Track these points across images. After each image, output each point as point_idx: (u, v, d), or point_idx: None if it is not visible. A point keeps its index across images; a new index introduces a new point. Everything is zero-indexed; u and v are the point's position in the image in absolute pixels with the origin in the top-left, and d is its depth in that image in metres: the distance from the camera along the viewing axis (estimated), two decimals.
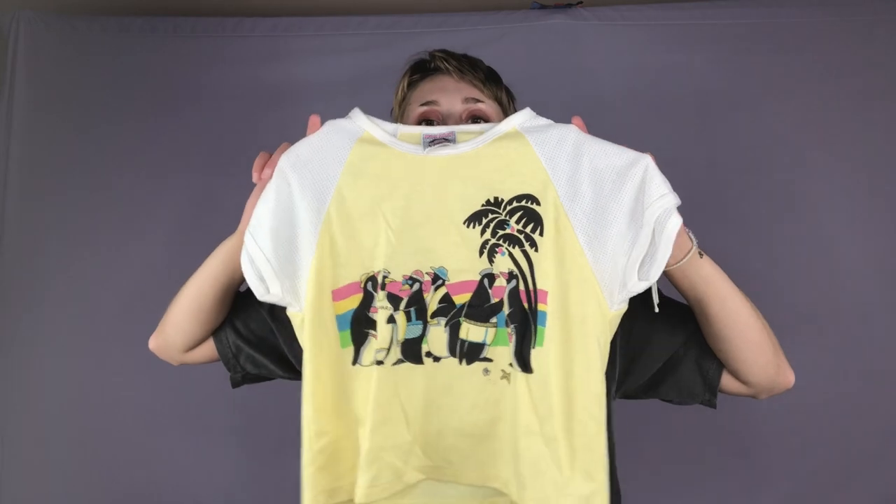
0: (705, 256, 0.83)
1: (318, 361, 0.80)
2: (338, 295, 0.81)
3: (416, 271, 0.79)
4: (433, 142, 0.82)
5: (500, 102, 0.99)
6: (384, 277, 0.79)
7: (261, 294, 0.80)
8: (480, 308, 0.79)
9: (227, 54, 1.67)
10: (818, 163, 1.59)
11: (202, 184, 1.61)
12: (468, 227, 0.79)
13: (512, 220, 0.79)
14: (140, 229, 1.60)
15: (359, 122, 0.84)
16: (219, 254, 0.90)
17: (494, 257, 0.79)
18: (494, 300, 0.79)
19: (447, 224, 0.80)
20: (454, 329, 0.79)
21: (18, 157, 1.63)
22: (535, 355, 0.78)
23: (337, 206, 0.81)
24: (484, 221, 0.79)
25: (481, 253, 0.79)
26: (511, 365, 0.79)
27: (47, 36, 1.65)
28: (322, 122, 0.86)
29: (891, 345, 1.54)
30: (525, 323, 0.79)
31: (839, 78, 1.60)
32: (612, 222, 0.78)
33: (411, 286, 0.79)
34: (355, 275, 0.80)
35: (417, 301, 0.79)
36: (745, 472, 1.54)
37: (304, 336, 0.80)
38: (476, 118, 0.95)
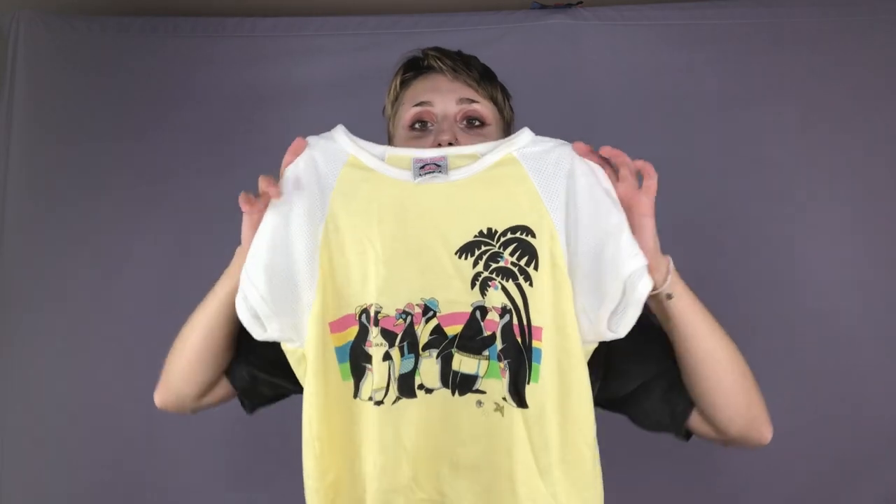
0: (683, 290, 0.80)
1: (325, 399, 0.77)
2: (335, 327, 0.78)
3: (409, 304, 0.76)
4: (423, 167, 0.78)
5: (495, 102, 0.95)
6: (377, 312, 0.75)
7: (258, 334, 0.78)
8: (472, 340, 0.78)
9: (227, 54, 1.63)
10: (818, 163, 1.55)
11: (202, 183, 1.57)
12: (460, 257, 0.78)
13: (506, 253, 0.77)
14: (141, 229, 1.56)
15: (343, 144, 0.80)
16: (219, 295, 0.84)
17: (487, 290, 0.78)
18: (486, 333, 0.78)
19: (439, 254, 0.78)
20: (446, 360, 0.78)
21: (18, 157, 1.58)
22: (531, 391, 0.77)
23: (331, 235, 0.77)
24: (476, 253, 0.78)
25: (473, 285, 0.78)
26: (504, 399, 0.77)
27: (47, 36, 1.61)
28: (312, 132, 0.81)
29: (891, 344, 1.51)
30: (519, 359, 0.77)
31: (839, 78, 1.57)
32: (592, 270, 0.76)
33: (405, 320, 0.76)
34: (350, 306, 0.77)
35: (409, 335, 0.77)
36: (745, 472, 1.51)
37: (306, 372, 0.77)
38: (471, 119, 0.90)
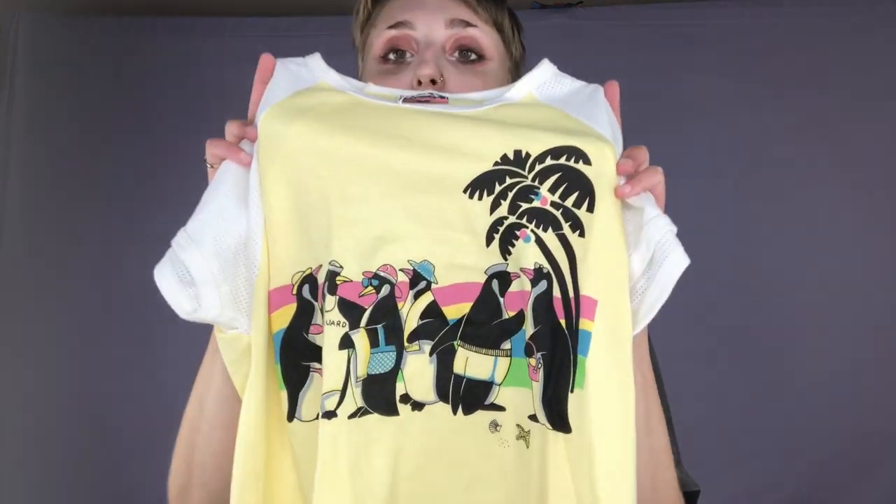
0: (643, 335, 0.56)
1: (267, 416, 0.52)
2: (270, 304, 0.52)
3: (385, 266, 0.50)
4: (413, 98, 0.55)
5: (500, 29, 0.69)
6: (333, 274, 0.49)
7: (184, 308, 0.51)
8: (486, 326, 0.52)
9: (227, 54, 1.55)
10: (818, 163, 1.49)
11: (202, 184, 1.62)
12: (471, 196, 0.52)
13: (543, 187, 0.51)
14: (141, 229, 1.46)
15: (316, 70, 0.56)
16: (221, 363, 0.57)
17: (512, 245, 0.52)
18: (509, 314, 0.52)
19: (436, 194, 0.52)
20: (445, 359, 0.52)
21: (18, 157, 1.52)
22: (575, 403, 0.49)
23: (265, 163, 0.52)
24: (498, 189, 0.52)
25: (490, 239, 0.52)
26: (533, 418, 0.51)
27: (47, 36, 1.56)
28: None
29: (891, 344, 1.46)
30: (560, 349, 0.50)
31: (839, 78, 1.51)
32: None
33: (377, 289, 0.50)
34: (286, 273, 0.51)
35: (388, 314, 0.50)
36: (746, 472, 1.46)
37: (249, 367, 0.52)
38: (465, 51, 0.64)
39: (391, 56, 0.66)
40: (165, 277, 0.53)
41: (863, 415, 1.46)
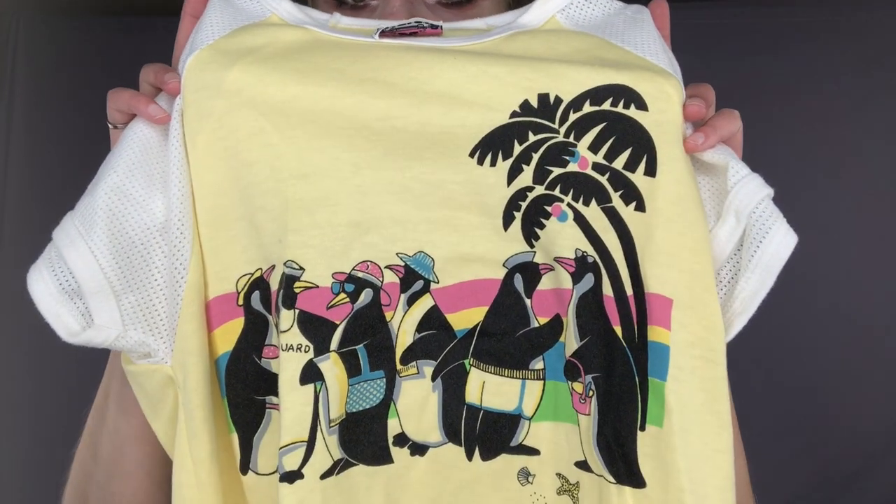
0: None
1: (210, 471, 0.37)
2: (210, 319, 0.36)
3: (364, 264, 0.34)
4: (395, 30, 0.38)
5: None
6: (290, 280, 0.33)
7: (71, 329, 0.37)
8: (508, 339, 0.37)
9: None
10: (818, 163, 1.47)
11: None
12: (480, 162, 0.35)
13: (582, 144, 0.35)
14: None
15: (264, 0, 0.40)
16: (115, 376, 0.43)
17: (541, 227, 0.35)
18: (539, 321, 0.38)
19: (432, 160, 0.37)
20: (454, 384, 0.38)
21: (18, 157, 1.50)
22: (649, 445, 0.35)
23: (193, 127, 0.36)
24: (518, 149, 0.36)
25: (509, 219, 0.37)
26: (583, 465, 0.36)
27: (47, 36, 1.51)
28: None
29: (891, 343, 1.45)
30: (621, 371, 0.36)
31: (839, 78, 1.47)
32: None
33: (353, 296, 0.34)
34: (229, 277, 0.35)
35: (370, 328, 0.34)
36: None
37: (179, 413, 0.38)
38: (448, 2, 0.46)
39: (349, 1, 0.47)
40: (40, 283, 0.38)
41: (862, 414, 1.45)
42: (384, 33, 0.40)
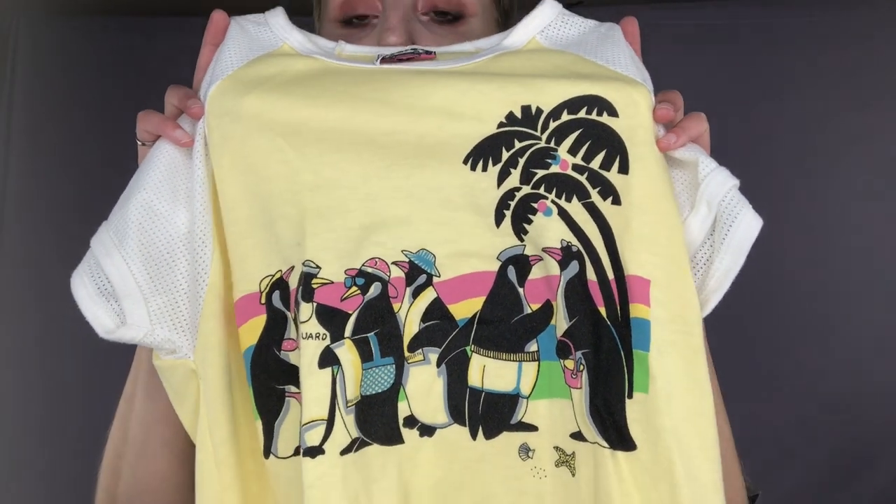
0: None
1: (238, 455, 0.42)
2: (236, 316, 0.41)
3: (373, 261, 0.40)
4: (393, 57, 0.43)
5: None
6: (308, 277, 0.38)
7: (105, 325, 0.43)
8: (504, 325, 0.41)
9: None
10: (818, 163, 1.48)
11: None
12: (473, 167, 0.42)
13: (562, 148, 0.41)
14: None
15: (277, 29, 0.46)
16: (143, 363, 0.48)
17: (528, 222, 0.42)
18: (532, 307, 0.42)
19: (431, 167, 0.43)
20: (457, 369, 0.41)
21: (18, 157, 1.51)
22: (637, 411, 0.40)
23: (217, 149, 0.41)
24: (505, 155, 0.42)
25: (500, 217, 0.43)
26: (577, 436, 0.41)
27: (47, 36, 1.52)
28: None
29: (891, 342, 1.46)
30: (606, 346, 0.40)
31: (839, 78, 1.49)
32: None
33: (364, 289, 0.39)
34: (252, 279, 0.40)
35: (380, 318, 0.39)
36: (744, 470, 1.59)
37: (200, 402, 0.43)
38: (441, 11, 0.52)
39: (353, 21, 0.53)
40: (82, 287, 0.43)
41: (860, 413, 1.46)
42: (384, 60, 0.45)
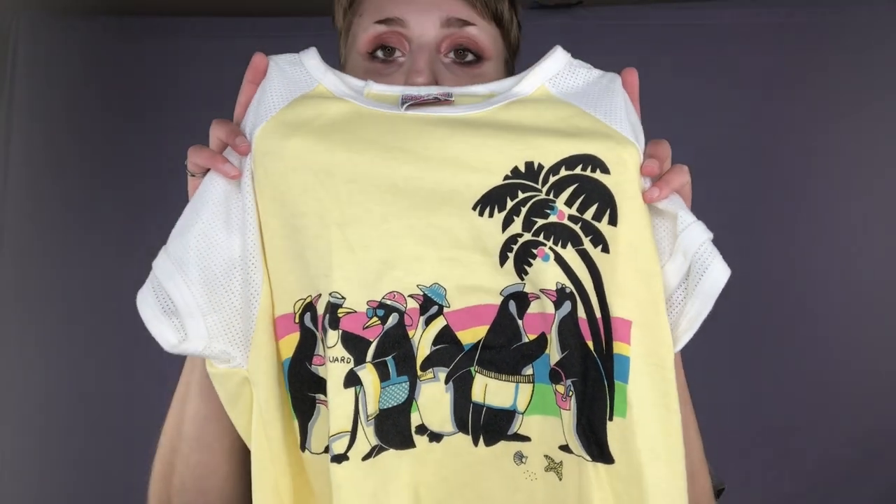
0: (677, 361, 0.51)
1: (287, 452, 0.50)
2: (276, 332, 0.49)
3: (392, 294, 0.46)
4: (418, 104, 0.49)
5: (499, 22, 0.63)
6: (334, 307, 0.45)
7: (168, 340, 0.49)
8: (504, 350, 0.48)
9: (227, 54, 1.69)
10: (819, 163, 1.49)
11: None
12: (481, 213, 0.48)
13: (559, 201, 0.48)
14: (140, 229, 1.55)
15: (312, 70, 0.52)
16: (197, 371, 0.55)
17: (528, 265, 0.48)
18: (529, 337, 0.49)
19: (444, 212, 0.49)
20: (462, 386, 0.48)
21: (18, 157, 1.50)
22: (616, 432, 0.47)
23: (260, 183, 0.48)
24: (510, 204, 0.48)
25: (504, 258, 0.49)
26: (565, 448, 0.48)
27: (47, 36, 1.52)
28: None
29: (891, 342, 1.46)
30: (592, 376, 0.47)
31: (839, 77, 1.50)
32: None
33: (383, 319, 0.46)
34: (288, 301, 0.47)
35: (397, 343, 0.46)
36: (741, 470, 1.46)
37: (255, 405, 0.50)
38: (463, 50, 0.59)
39: (379, 54, 0.60)
40: (148, 307, 0.49)
41: (861, 414, 1.46)
42: (408, 104, 0.51)
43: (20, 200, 1.54)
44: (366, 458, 0.47)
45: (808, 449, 1.46)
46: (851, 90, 1.53)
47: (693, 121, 1.53)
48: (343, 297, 0.48)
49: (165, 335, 0.49)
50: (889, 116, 1.52)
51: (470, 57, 0.61)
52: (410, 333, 0.48)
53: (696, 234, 0.49)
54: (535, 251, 0.49)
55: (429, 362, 0.49)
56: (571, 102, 0.52)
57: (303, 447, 0.50)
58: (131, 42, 1.59)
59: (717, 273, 0.48)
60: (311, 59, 0.55)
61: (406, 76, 0.59)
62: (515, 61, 0.68)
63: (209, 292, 0.49)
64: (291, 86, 0.53)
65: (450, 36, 0.61)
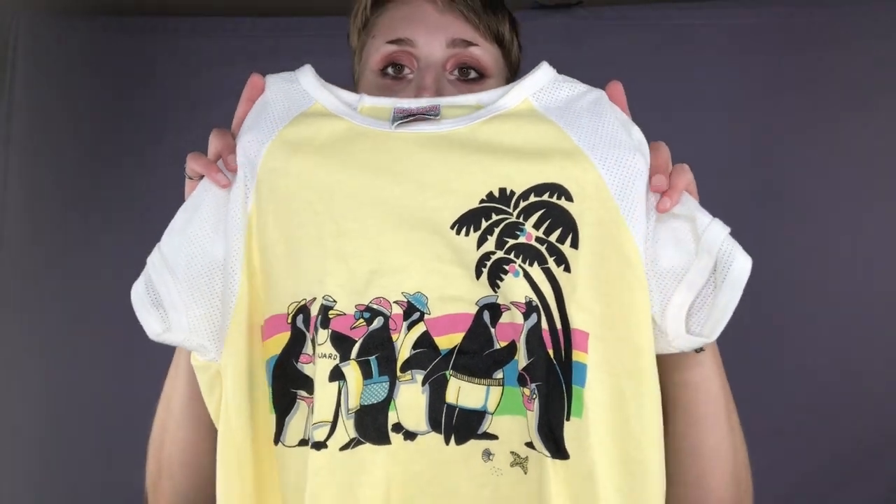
0: (713, 351, 0.56)
1: (252, 442, 0.54)
2: (265, 331, 0.53)
3: (378, 299, 0.51)
4: (406, 117, 0.54)
5: (500, 42, 0.69)
6: (326, 308, 0.50)
7: (155, 331, 0.54)
8: (477, 356, 0.52)
9: (227, 54, 1.54)
10: (819, 164, 1.49)
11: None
12: (459, 232, 0.53)
13: (528, 224, 0.53)
14: (141, 229, 1.57)
15: (308, 87, 0.57)
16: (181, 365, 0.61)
17: (501, 280, 0.53)
18: (500, 344, 0.53)
19: (427, 229, 0.54)
20: (437, 388, 0.52)
21: (18, 158, 1.51)
22: (572, 431, 0.51)
23: (265, 196, 0.52)
24: (484, 225, 0.53)
25: (479, 272, 0.53)
26: (529, 445, 0.52)
27: (47, 36, 1.53)
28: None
29: (891, 342, 1.45)
30: (553, 381, 0.51)
31: (840, 77, 1.49)
32: (664, 239, 0.54)
33: (369, 321, 0.51)
34: (283, 302, 0.52)
35: (380, 345, 0.51)
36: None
37: (222, 396, 0.52)
38: (466, 69, 0.65)
39: (390, 71, 0.67)
40: (139, 298, 0.54)
41: (861, 414, 1.46)
42: (399, 122, 0.55)
43: (20, 200, 1.54)
44: (343, 448, 0.51)
45: (808, 449, 1.46)
46: (852, 90, 1.53)
47: (693, 120, 1.53)
48: (335, 301, 0.53)
49: (150, 324, 0.54)
50: (890, 116, 1.52)
51: (473, 74, 0.67)
52: (394, 337, 0.53)
53: (717, 232, 0.53)
54: (506, 267, 0.54)
55: (408, 365, 0.53)
56: (552, 119, 0.56)
57: (277, 440, 0.54)
58: (131, 42, 1.59)
59: (742, 263, 0.52)
60: (306, 76, 0.60)
61: (416, 90, 0.65)
62: (518, 75, 0.73)
63: (192, 290, 0.55)
64: (290, 104, 0.58)
65: (455, 55, 0.67)
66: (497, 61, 0.70)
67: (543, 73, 0.59)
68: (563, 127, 0.55)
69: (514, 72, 0.74)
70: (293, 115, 0.57)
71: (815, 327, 1.47)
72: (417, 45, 0.67)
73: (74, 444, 1.53)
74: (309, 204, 0.55)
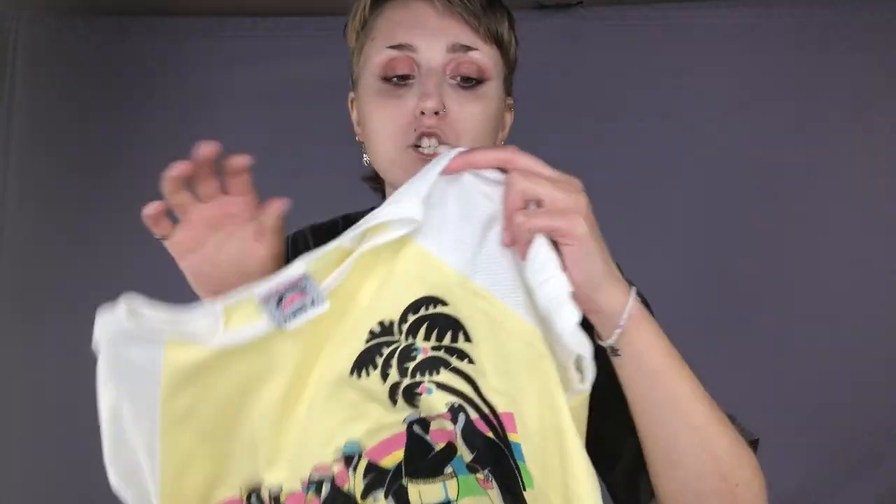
0: (649, 332, 0.54)
1: None
2: None
3: (318, 466, 0.54)
4: (280, 301, 0.53)
5: (499, 43, 0.69)
6: (276, 496, 0.54)
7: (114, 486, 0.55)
8: (423, 461, 0.55)
9: (227, 54, 1.55)
10: (819, 164, 1.50)
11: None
12: (359, 377, 0.55)
13: (419, 340, 0.55)
14: (141, 229, 1.59)
15: (149, 330, 0.54)
16: None
17: (417, 400, 0.55)
18: (439, 447, 0.55)
19: (334, 386, 0.55)
20: (400, 496, 0.55)
21: (18, 157, 1.53)
22: (531, 499, 0.54)
23: (184, 395, 0.54)
24: (379, 361, 0.55)
25: (394, 401, 0.55)
26: None
27: (47, 36, 1.54)
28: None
29: (891, 342, 1.48)
30: (503, 461, 0.54)
31: (840, 77, 1.51)
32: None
33: (318, 491, 0.54)
34: (234, 484, 0.55)
35: (338, 499, 0.54)
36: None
37: None
38: (466, 75, 0.66)
39: (394, 79, 0.67)
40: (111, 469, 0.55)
41: (862, 413, 1.46)
42: (283, 318, 0.54)
43: (20, 200, 1.54)
44: None
45: (808, 448, 1.46)
46: (852, 90, 1.53)
47: (693, 120, 1.53)
48: (280, 486, 0.55)
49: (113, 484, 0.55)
50: (891, 116, 1.52)
51: (473, 80, 0.68)
52: (345, 488, 0.55)
53: (548, 292, 0.52)
54: (417, 391, 0.55)
55: (366, 491, 0.55)
56: (415, 240, 0.55)
57: None
58: (131, 42, 1.59)
59: (568, 319, 0.52)
60: (140, 317, 0.57)
61: (419, 101, 0.66)
62: (514, 72, 0.74)
63: (127, 476, 0.55)
64: (142, 361, 0.55)
65: (455, 60, 0.67)
66: (496, 63, 0.70)
67: (410, 203, 0.54)
68: (418, 241, 0.55)
69: (511, 69, 0.74)
70: (160, 360, 0.55)
71: (816, 327, 1.47)
72: (418, 50, 0.67)
73: (74, 444, 1.52)
74: (232, 403, 0.55)
